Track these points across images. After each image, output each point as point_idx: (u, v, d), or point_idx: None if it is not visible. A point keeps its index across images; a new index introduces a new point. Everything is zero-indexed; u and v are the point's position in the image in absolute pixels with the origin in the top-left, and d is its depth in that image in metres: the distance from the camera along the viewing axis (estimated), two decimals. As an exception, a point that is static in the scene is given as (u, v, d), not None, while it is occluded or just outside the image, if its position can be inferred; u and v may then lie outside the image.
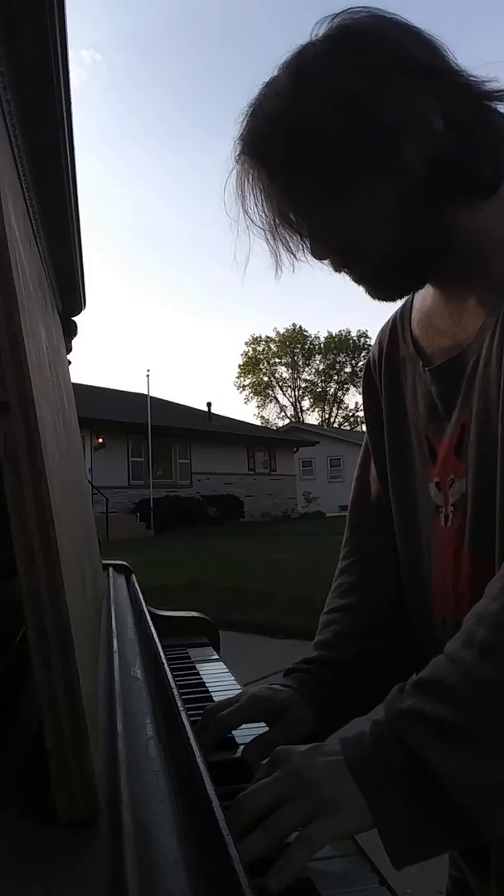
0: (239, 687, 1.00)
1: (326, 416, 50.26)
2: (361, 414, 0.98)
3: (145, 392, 19.81)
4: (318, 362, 50.54)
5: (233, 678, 1.06)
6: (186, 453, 21.70)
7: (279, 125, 0.66)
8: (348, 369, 49.78)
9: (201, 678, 1.05)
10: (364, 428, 0.93)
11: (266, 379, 50.45)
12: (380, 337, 0.89)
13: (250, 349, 50.59)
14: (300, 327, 50.51)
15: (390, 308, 0.86)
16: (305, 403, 50.89)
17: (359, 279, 0.73)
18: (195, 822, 0.49)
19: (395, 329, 0.86)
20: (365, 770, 0.54)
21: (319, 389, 50.66)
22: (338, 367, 50.23)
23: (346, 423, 48.82)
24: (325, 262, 0.73)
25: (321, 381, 50.53)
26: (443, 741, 0.53)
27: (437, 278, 0.75)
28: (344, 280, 0.74)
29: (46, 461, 0.45)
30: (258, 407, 51.05)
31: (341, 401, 50.42)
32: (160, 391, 32.83)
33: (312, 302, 72.12)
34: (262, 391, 50.40)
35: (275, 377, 50.55)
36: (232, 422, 26.26)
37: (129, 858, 0.40)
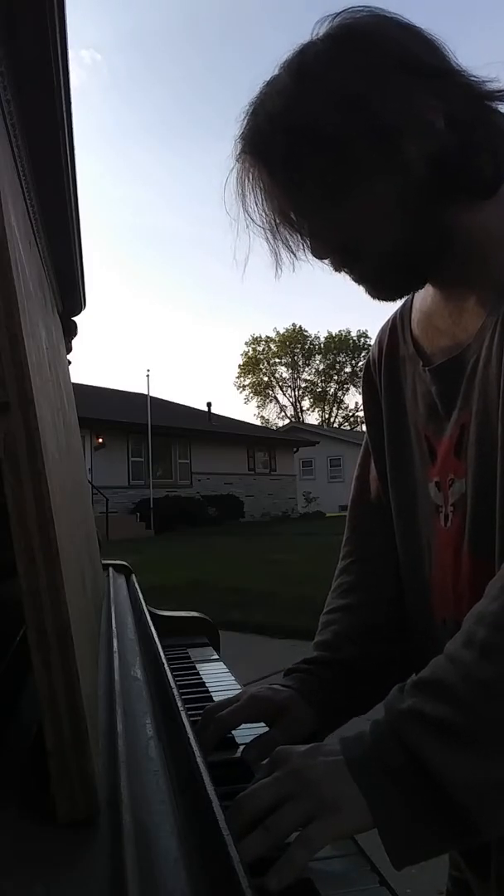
0: (239, 687, 1.00)
1: (326, 416, 50.30)
2: (361, 414, 0.98)
3: (145, 392, 19.83)
4: (318, 362, 50.62)
5: (233, 678, 1.06)
6: (186, 453, 21.69)
7: (280, 124, 0.66)
8: (348, 369, 49.78)
9: (201, 678, 1.05)
10: (364, 428, 0.93)
11: (266, 379, 50.49)
12: (380, 337, 0.89)
13: (250, 349, 50.67)
14: (300, 327, 50.62)
15: (390, 308, 0.86)
16: (305, 403, 51.00)
17: (359, 279, 0.73)
18: (195, 822, 0.49)
19: (395, 329, 0.86)
20: (365, 770, 0.54)
21: (319, 389, 50.68)
22: (338, 367, 50.24)
23: (346, 423, 48.82)
24: (326, 261, 0.73)
25: (321, 381, 50.57)
26: (443, 741, 0.53)
27: (438, 278, 0.75)
28: (344, 280, 0.74)
29: (46, 461, 0.45)
30: (258, 407, 51.18)
31: (341, 401, 50.51)
32: (160, 391, 32.94)
33: (312, 302, 72.29)
34: (262, 391, 50.43)
35: (275, 377, 50.62)
36: (232, 422, 26.26)
37: (129, 858, 0.40)
